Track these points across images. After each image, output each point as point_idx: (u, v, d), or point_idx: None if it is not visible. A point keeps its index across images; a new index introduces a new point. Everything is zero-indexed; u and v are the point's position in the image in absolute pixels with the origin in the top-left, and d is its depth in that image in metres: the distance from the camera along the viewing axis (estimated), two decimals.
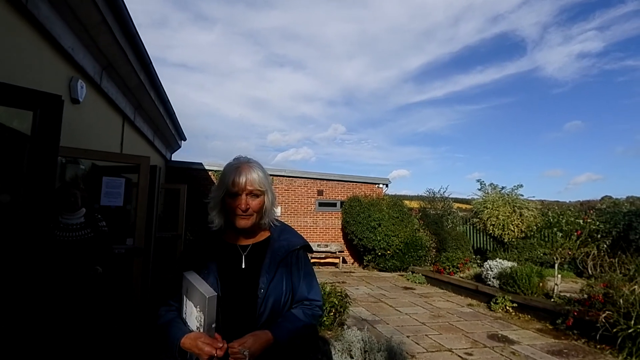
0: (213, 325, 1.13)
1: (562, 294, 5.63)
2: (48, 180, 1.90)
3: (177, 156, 10.90)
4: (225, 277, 1.22)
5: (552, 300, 5.49)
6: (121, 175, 4.10)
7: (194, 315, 1.16)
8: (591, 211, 8.21)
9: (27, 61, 2.97)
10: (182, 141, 10.53)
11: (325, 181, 11.50)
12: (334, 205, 11.45)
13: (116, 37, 4.00)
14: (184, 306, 1.22)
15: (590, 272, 7.31)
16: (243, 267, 1.26)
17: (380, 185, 11.95)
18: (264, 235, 1.33)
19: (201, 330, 1.13)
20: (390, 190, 12.19)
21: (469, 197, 12.74)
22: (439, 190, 12.85)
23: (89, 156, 3.84)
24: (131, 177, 4.24)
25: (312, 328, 1.30)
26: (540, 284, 5.99)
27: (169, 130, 8.38)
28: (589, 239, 7.08)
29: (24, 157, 1.90)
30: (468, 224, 11.69)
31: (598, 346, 4.28)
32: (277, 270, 1.24)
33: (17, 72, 2.83)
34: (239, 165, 1.24)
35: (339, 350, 3.31)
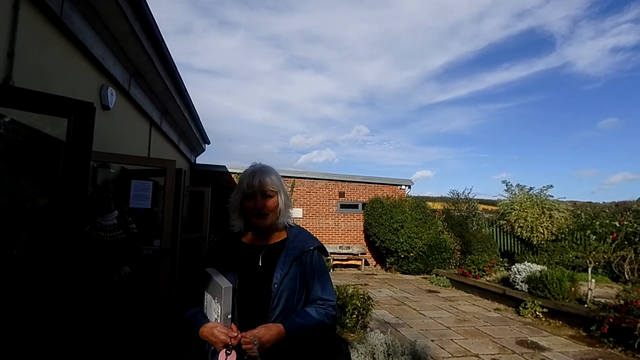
0: (229, 316, 1.20)
1: (596, 299, 5.37)
2: (82, 183, 1.99)
3: (201, 159, 11.18)
4: (243, 273, 1.31)
5: (586, 305, 5.24)
6: (148, 179, 4.23)
7: (212, 307, 1.25)
8: (627, 212, 7.80)
9: (61, 70, 3.13)
10: (206, 145, 10.78)
11: (346, 183, 11.47)
12: (356, 206, 11.40)
13: (144, 45, 4.15)
14: (205, 300, 1.32)
15: (627, 276, 6.95)
16: (260, 264, 1.34)
17: (403, 187, 11.80)
18: (280, 236, 1.42)
19: (218, 320, 1.20)
20: (414, 192, 12.04)
21: (495, 198, 12.39)
22: (463, 191, 12.57)
23: (119, 160, 3.99)
24: (158, 180, 4.38)
25: (325, 327, 1.34)
26: (573, 289, 5.73)
27: (193, 134, 8.60)
28: (626, 242, 6.73)
29: (59, 162, 2.00)
30: (494, 225, 11.36)
31: (637, 355, 4.05)
32: (291, 268, 1.32)
33: (52, 81, 2.98)
34: (253, 170, 1.38)
35: (362, 353, 3.29)
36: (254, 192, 1.33)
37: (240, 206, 1.38)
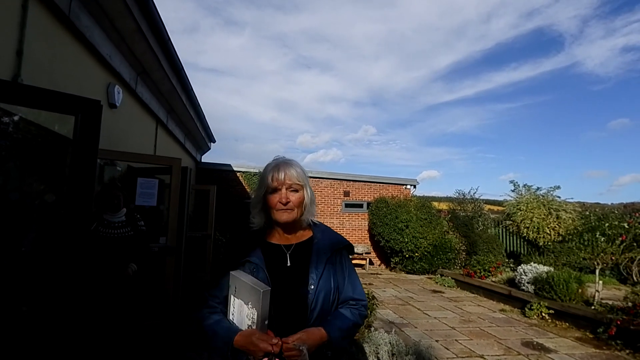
0: (266, 322, 1.11)
1: (603, 301, 5.31)
2: (89, 180, 2.01)
3: (207, 158, 11.23)
4: (273, 274, 1.22)
5: (593, 307, 5.18)
6: (154, 177, 4.26)
7: (244, 313, 1.15)
8: (637, 214, 7.69)
9: (69, 68, 3.16)
10: (212, 143, 10.82)
11: (351, 182, 11.45)
12: (361, 206, 11.38)
13: (150, 44, 4.17)
14: (231, 306, 1.21)
15: (635, 278, 6.86)
16: (288, 265, 1.27)
17: (408, 186, 11.76)
18: (306, 234, 1.35)
19: (253, 327, 1.11)
20: (420, 192, 12.01)
21: (501, 199, 12.29)
22: (469, 191, 12.49)
23: (125, 158, 4.02)
24: (164, 178, 4.40)
25: (359, 328, 1.31)
26: (580, 290, 5.67)
27: (199, 133, 8.64)
28: (635, 244, 6.64)
29: (67, 159, 2.01)
30: (500, 226, 11.27)
31: None
32: (325, 268, 1.26)
33: (60, 79, 3.01)
34: (277, 163, 1.31)
35: (366, 353, 3.28)
36: (279, 185, 1.26)
37: (262, 201, 1.30)
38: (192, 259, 6.26)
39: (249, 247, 1.30)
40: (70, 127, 2.05)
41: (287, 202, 1.25)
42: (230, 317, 1.21)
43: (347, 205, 11.32)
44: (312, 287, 1.22)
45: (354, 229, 11.31)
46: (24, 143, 2.61)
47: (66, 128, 2.61)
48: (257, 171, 10.72)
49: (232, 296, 1.21)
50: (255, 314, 1.10)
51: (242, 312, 1.16)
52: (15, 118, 2.38)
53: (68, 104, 2.01)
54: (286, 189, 1.26)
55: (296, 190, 1.28)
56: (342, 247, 1.34)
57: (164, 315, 3.80)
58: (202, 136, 9.14)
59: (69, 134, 2.11)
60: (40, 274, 2.23)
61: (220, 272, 1.31)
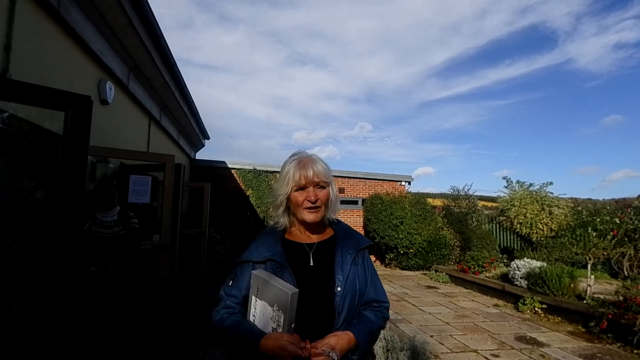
0: (292, 325, 1.06)
1: (595, 295, 5.38)
2: (79, 178, 1.98)
3: (201, 155, 11.16)
4: (297, 274, 1.17)
5: (585, 302, 5.24)
6: (148, 174, 4.22)
7: (267, 315, 1.10)
8: (628, 209, 7.77)
9: (59, 64, 3.11)
10: (206, 140, 10.75)
11: (346, 179, 11.45)
12: (356, 202, 11.39)
13: (142, 39, 4.12)
14: (252, 307, 1.15)
15: (626, 273, 6.94)
16: (311, 264, 1.22)
17: (403, 183, 11.79)
18: (328, 233, 1.32)
19: (279, 330, 1.06)
20: (416, 188, 12.06)
21: (495, 195, 12.36)
22: (463, 187, 12.55)
23: (117, 155, 3.97)
24: (157, 175, 4.36)
25: (381, 331, 1.27)
26: (572, 285, 5.73)
27: (193, 129, 8.57)
28: (626, 239, 6.71)
29: (57, 156, 1.98)
30: (494, 222, 11.34)
31: (635, 351, 4.06)
32: (350, 269, 1.22)
33: (50, 74, 2.96)
34: (301, 159, 1.25)
35: None
36: (307, 184, 1.20)
37: (287, 200, 1.25)
38: (187, 257, 6.23)
39: (269, 244, 1.24)
40: (61, 124, 2.01)
41: (316, 200, 1.21)
42: (251, 319, 1.15)
43: (342, 202, 11.33)
44: (339, 288, 1.17)
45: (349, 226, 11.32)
46: (14, 140, 2.57)
47: (57, 124, 2.57)
48: (252, 168, 10.67)
49: (253, 297, 1.15)
50: (282, 316, 1.05)
51: (265, 314, 1.11)
52: (5, 115, 2.34)
53: (57, 100, 1.97)
54: (313, 187, 1.22)
55: (323, 187, 1.24)
56: (365, 247, 1.30)
57: (158, 313, 3.78)
58: (196, 133, 9.07)
59: (59, 130, 2.08)
60: (32, 272, 2.20)
61: (238, 271, 1.25)
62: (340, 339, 1.08)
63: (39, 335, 1.91)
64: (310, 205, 1.21)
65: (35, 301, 2.04)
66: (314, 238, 1.28)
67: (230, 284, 1.25)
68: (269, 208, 1.48)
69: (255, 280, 1.15)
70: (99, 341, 2.97)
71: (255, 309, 1.14)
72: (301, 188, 1.22)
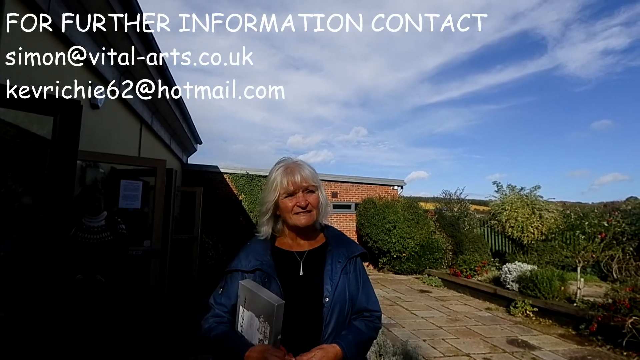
0: (279, 337, 1.06)
1: (585, 298, 5.44)
2: (68, 182, 1.95)
3: (194, 159, 11.09)
4: (285, 285, 1.15)
5: (575, 304, 5.30)
6: (139, 179, 4.18)
7: (254, 327, 1.09)
8: (616, 212, 7.91)
9: (48, 68, 3.07)
10: (198, 144, 10.70)
11: (339, 183, 11.47)
12: (349, 207, 11.40)
13: (133, 42, 4.10)
14: (240, 317, 1.15)
15: (615, 275, 7.05)
16: (301, 274, 1.21)
17: (395, 187, 11.84)
18: (319, 240, 1.30)
19: (265, 342, 1.06)
20: (409, 192, 12.14)
21: (487, 199, 12.47)
22: (455, 191, 12.65)
23: (108, 160, 3.93)
24: (149, 180, 4.32)
25: (373, 341, 1.25)
26: (562, 288, 5.80)
27: (185, 133, 8.53)
28: (614, 242, 6.82)
29: (45, 161, 1.96)
30: (486, 226, 11.45)
31: (624, 353, 4.11)
32: (340, 278, 1.19)
33: (39, 79, 2.92)
34: (287, 165, 1.24)
35: None
36: (296, 189, 1.20)
37: (273, 208, 1.24)
38: (178, 262, 6.17)
39: (258, 253, 1.23)
40: (50, 128, 1.99)
41: (307, 205, 1.20)
42: (239, 329, 1.15)
43: (335, 207, 11.33)
44: (327, 299, 1.15)
45: (342, 230, 11.12)
46: (1, 144, 2.53)
47: (45, 128, 2.53)
48: (244, 172, 10.63)
49: (241, 307, 1.14)
50: (268, 328, 1.05)
51: (252, 324, 1.10)
52: None
53: (46, 105, 1.95)
54: (302, 191, 1.21)
55: (312, 192, 1.23)
56: (357, 255, 1.28)
57: (149, 319, 3.73)
58: (188, 137, 9.02)
59: (48, 134, 2.05)
60: (20, 279, 2.16)
61: (228, 279, 1.24)
62: (327, 352, 1.07)
63: (25, 342, 1.87)
64: (300, 210, 1.20)
65: (23, 308, 2.00)
66: (305, 245, 1.26)
67: (220, 292, 1.24)
68: None
69: (243, 291, 1.14)
70: (88, 349, 2.92)
71: (243, 319, 1.14)
72: (290, 194, 1.21)
